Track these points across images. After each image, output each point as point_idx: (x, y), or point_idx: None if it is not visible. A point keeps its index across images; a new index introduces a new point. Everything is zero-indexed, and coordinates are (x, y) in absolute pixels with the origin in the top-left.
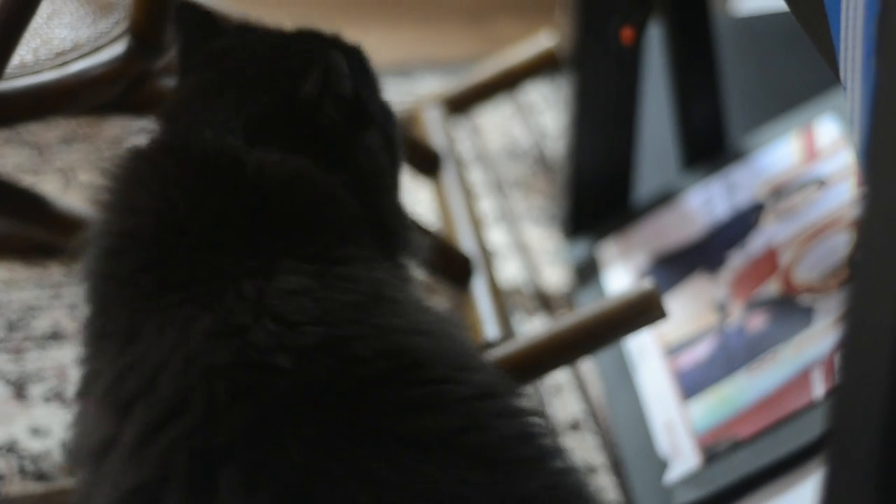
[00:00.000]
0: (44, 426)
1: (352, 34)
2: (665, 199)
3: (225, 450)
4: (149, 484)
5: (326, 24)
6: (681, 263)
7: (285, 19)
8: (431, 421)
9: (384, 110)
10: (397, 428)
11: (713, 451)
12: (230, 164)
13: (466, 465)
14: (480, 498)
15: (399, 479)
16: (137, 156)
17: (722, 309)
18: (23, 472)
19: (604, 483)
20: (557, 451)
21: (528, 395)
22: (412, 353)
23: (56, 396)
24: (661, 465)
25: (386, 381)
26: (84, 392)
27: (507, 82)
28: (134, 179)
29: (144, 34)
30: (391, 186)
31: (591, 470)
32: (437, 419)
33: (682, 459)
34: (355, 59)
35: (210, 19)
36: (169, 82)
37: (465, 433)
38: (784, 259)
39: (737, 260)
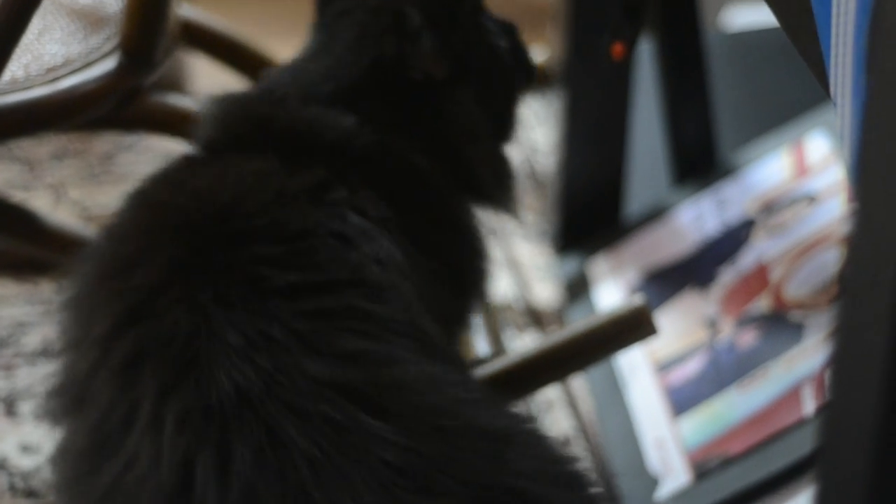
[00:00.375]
0: (34, 443)
1: None
2: (656, 214)
3: (124, 267)
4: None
5: None
6: (671, 279)
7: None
8: (278, 275)
9: (491, 61)
10: (240, 273)
11: (704, 468)
12: (289, 125)
13: (295, 315)
14: (289, 337)
15: (226, 312)
16: (233, 95)
17: (713, 325)
18: (13, 489)
19: None
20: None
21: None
22: (300, 235)
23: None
24: (652, 482)
25: (249, 238)
26: None
27: None
28: (223, 107)
29: (135, 50)
30: (485, 139)
31: None
32: (282, 275)
33: (673, 476)
34: (455, 11)
35: None
36: (160, 98)
37: (310, 291)
38: (775, 275)
39: (727, 276)
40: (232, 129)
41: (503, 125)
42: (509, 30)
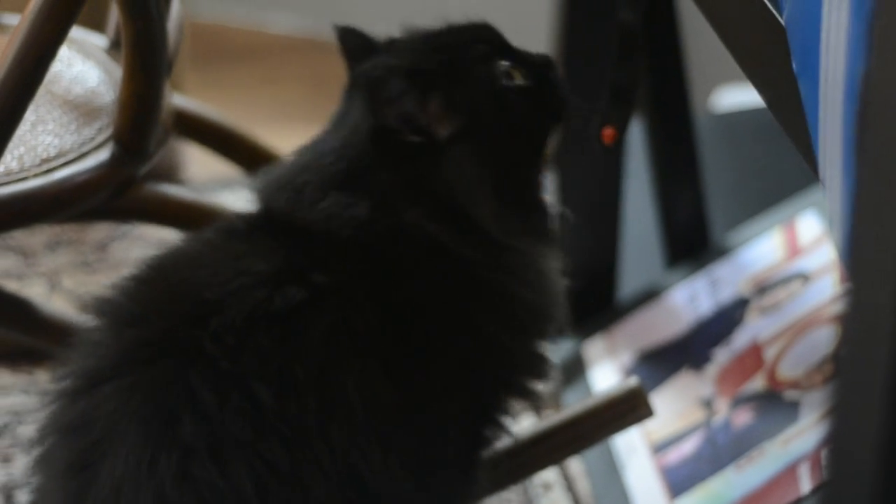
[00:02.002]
0: None
1: None
2: (650, 296)
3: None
4: None
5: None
6: (667, 360)
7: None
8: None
9: (500, 109)
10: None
11: None
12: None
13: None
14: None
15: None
16: (268, 176)
17: (708, 405)
18: None
19: None
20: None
21: None
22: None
23: None
24: None
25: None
26: None
27: None
28: (260, 189)
29: (129, 141)
30: (490, 196)
31: None
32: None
33: None
34: (459, 63)
35: (367, 40)
36: (154, 187)
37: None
38: (769, 354)
39: (722, 356)
40: (260, 214)
41: (523, 172)
42: (541, 64)
